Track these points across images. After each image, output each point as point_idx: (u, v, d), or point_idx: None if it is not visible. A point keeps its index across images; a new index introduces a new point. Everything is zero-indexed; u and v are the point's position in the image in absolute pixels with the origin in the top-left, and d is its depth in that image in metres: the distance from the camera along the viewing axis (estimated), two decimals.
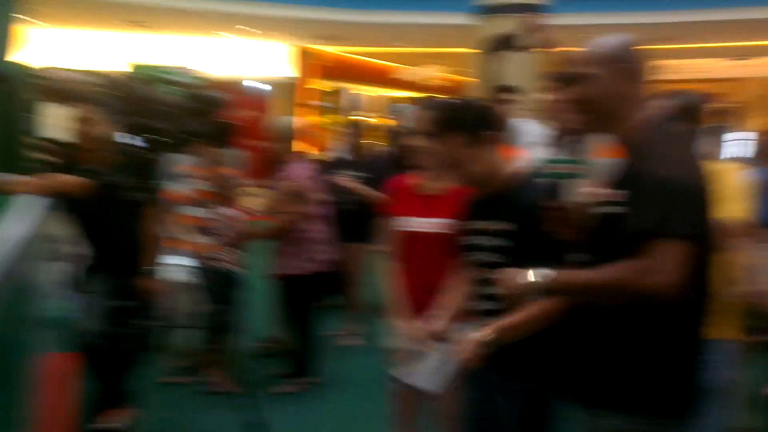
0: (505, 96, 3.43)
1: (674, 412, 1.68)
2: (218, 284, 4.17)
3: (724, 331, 2.48)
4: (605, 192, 1.73)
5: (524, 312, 1.97)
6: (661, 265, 1.55)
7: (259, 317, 4.62)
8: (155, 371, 4.49)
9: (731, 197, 2.37)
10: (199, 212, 4.30)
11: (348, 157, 5.47)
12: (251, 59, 16.05)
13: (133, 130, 3.51)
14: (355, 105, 20.75)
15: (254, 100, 16.37)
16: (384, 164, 5.19)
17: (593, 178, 3.24)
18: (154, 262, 3.49)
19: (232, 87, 15.16)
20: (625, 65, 1.72)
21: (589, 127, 1.82)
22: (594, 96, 1.74)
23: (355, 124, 5.50)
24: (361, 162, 5.18)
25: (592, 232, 1.79)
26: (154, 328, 4.14)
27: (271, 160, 4.25)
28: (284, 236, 4.19)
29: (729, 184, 2.39)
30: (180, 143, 3.72)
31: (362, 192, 4.97)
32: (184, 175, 4.35)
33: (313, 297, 4.38)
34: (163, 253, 3.71)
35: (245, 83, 16.23)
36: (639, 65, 1.74)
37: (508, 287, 1.86)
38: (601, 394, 1.72)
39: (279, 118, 4.32)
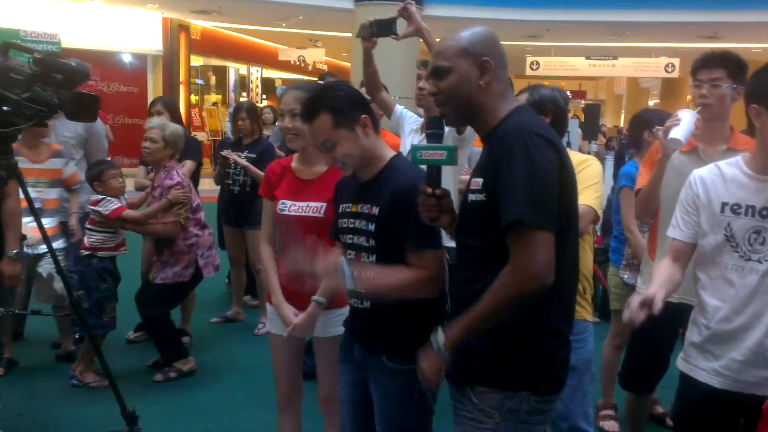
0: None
1: (546, 389, 1.76)
2: (83, 270, 3.95)
3: (579, 312, 2.65)
4: (472, 180, 1.77)
5: (390, 275, 2.02)
6: (533, 257, 1.59)
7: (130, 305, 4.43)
8: (14, 360, 4.24)
9: (588, 187, 2.52)
10: (56, 192, 4.06)
11: (233, 138, 5.33)
12: (123, 30, 15.17)
13: None
14: (241, 85, 20.28)
15: (126, 73, 15.62)
16: (270, 146, 5.13)
17: (466, 166, 3.37)
18: (15, 244, 3.23)
19: (101, 58, 14.37)
20: (484, 58, 1.74)
21: (452, 118, 1.85)
22: (452, 89, 1.76)
23: (243, 105, 5.36)
24: (250, 143, 5.08)
25: (460, 218, 1.84)
26: (12, 316, 3.88)
27: (153, 159, 4.13)
28: (162, 243, 4.08)
29: (586, 174, 2.55)
30: (36, 116, 3.46)
31: (252, 173, 4.89)
32: (62, 156, 4.09)
33: (178, 301, 4.35)
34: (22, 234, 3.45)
35: (117, 56, 15.40)
36: (498, 59, 1.77)
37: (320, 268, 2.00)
38: (474, 372, 1.77)
39: (158, 123, 4.16)
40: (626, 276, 3.65)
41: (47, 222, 3.94)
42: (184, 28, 16.26)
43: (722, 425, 2.12)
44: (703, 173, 2.15)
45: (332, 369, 2.45)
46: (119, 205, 3.98)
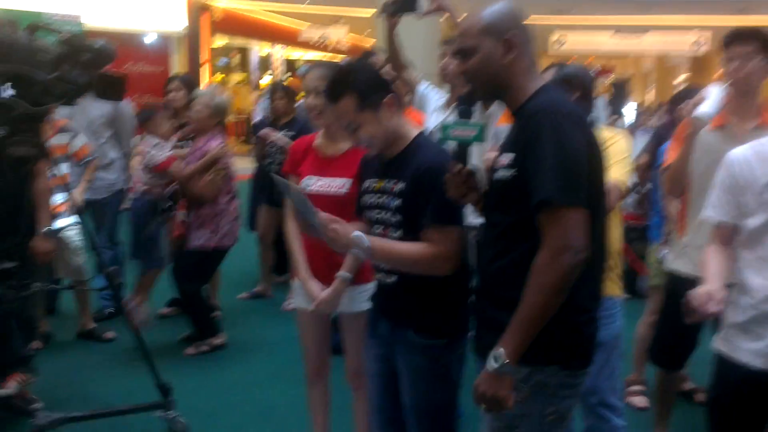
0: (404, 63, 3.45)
1: (575, 363, 1.77)
2: (135, 206, 4.05)
3: (609, 288, 2.65)
4: (499, 157, 1.77)
5: (404, 248, 2.05)
6: (568, 234, 1.59)
7: (162, 281, 4.51)
8: (49, 334, 4.35)
9: (616, 162, 2.51)
10: (64, 168, 4.12)
11: (270, 118, 5.37)
12: (146, 10, 15.24)
13: (12, 80, 3.27)
14: (263, 64, 20.28)
15: (149, 54, 15.71)
16: (307, 124, 5.15)
17: (492, 144, 3.36)
18: (47, 221, 3.30)
19: (125, 39, 14.47)
20: (508, 35, 1.73)
21: (480, 96, 1.85)
22: (478, 68, 1.76)
23: (279, 85, 5.40)
24: (286, 123, 5.10)
25: (488, 196, 1.84)
26: (46, 291, 3.98)
27: (199, 127, 4.19)
28: (199, 204, 4.11)
29: (614, 150, 2.54)
30: (65, 95, 3.51)
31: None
32: (68, 130, 4.15)
33: (211, 271, 4.39)
34: (53, 212, 3.53)
35: (140, 36, 15.49)
36: (522, 35, 1.76)
37: (335, 241, 2.01)
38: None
39: (209, 92, 4.20)
40: (663, 253, 3.63)
41: (57, 199, 4.02)
42: (207, 8, 16.28)
43: (762, 408, 2.09)
44: (742, 152, 2.11)
45: (359, 344, 2.48)
46: (169, 155, 4.06)
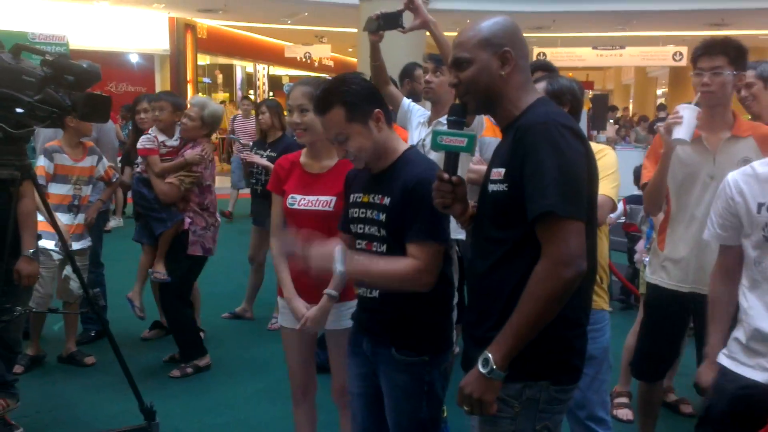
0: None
1: (565, 378, 1.76)
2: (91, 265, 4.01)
3: (597, 301, 2.65)
4: (492, 170, 1.76)
5: (382, 266, 2.04)
6: (568, 246, 1.59)
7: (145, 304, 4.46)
8: (39, 356, 4.30)
9: (606, 176, 2.52)
10: (66, 189, 4.09)
11: (256, 137, 5.34)
12: (130, 30, 15.23)
13: None
14: (246, 82, 20.32)
15: (133, 73, 15.68)
16: (292, 144, 5.14)
17: (481, 155, 3.37)
18: (31, 244, 3.27)
19: (109, 58, 14.44)
20: (505, 49, 1.74)
21: (472, 108, 1.85)
22: (473, 79, 1.76)
23: (266, 101, 5.40)
24: (273, 142, 5.07)
25: (480, 209, 1.84)
26: (30, 314, 3.92)
27: (187, 137, 4.19)
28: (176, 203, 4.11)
29: (604, 164, 2.55)
30: (49, 117, 3.49)
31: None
32: (53, 150, 4.12)
33: (192, 278, 4.32)
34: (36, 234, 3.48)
35: (124, 56, 15.47)
36: (519, 50, 1.77)
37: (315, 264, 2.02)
38: None
39: (201, 102, 4.22)
40: (647, 259, 3.65)
41: (80, 219, 4.11)
42: (191, 27, 16.31)
43: (757, 421, 2.07)
44: (736, 176, 2.13)
45: (346, 361, 2.46)
46: (153, 147, 4.14)
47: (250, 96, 13.69)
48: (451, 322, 2.23)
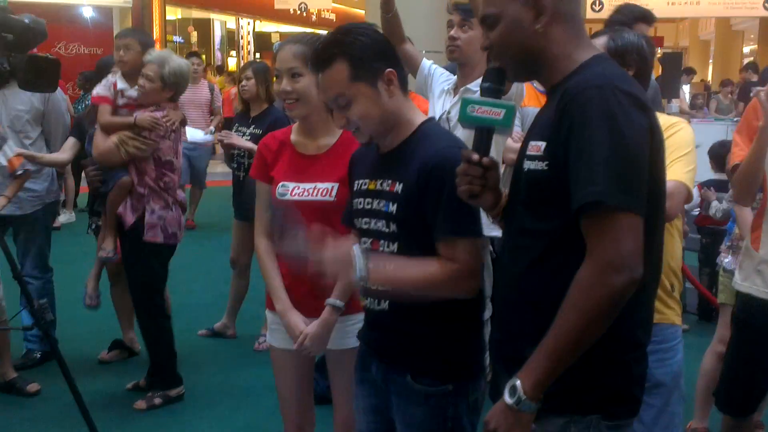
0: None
1: (620, 411, 1.74)
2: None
3: (667, 315, 2.64)
4: (529, 143, 1.74)
5: (412, 268, 2.01)
6: (619, 246, 1.56)
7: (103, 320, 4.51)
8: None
9: (678, 158, 2.50)
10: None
11: (239, 107, 5.33)
12: None
13: None
14: (226, 41, 20.36)
15: (87, 31, 15.75)
16: (282, 118, 5.14)
17: (522, 130, 3.35)
18: None
19: (56, 14, 14.51)
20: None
21: (512, 73, 1.83)
22: (504, 39, 1.75)
23: (252, 63, 5.40)
24: (257, 116, 5.08)
25: (512, 194, 1.83)
26: None
27: (147, 102, 4.16)
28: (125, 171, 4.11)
29: (675, 142, 2.53)
30: None
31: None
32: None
33: (153, 278, 4.29)
34: None
35: (76, 10, 15.54)
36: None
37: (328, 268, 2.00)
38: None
39: (160, 57, 4.17)
40: (727, 260, 3.62)
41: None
42: None
43: None
44: None
45: (351, 390, 2.46)
46: (105, 95, 4.21)
47: (199, 53, 13.40)
48: (483, 342, 2.21)
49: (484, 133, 1.81)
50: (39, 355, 4.71)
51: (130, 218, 4.07)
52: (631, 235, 1.58)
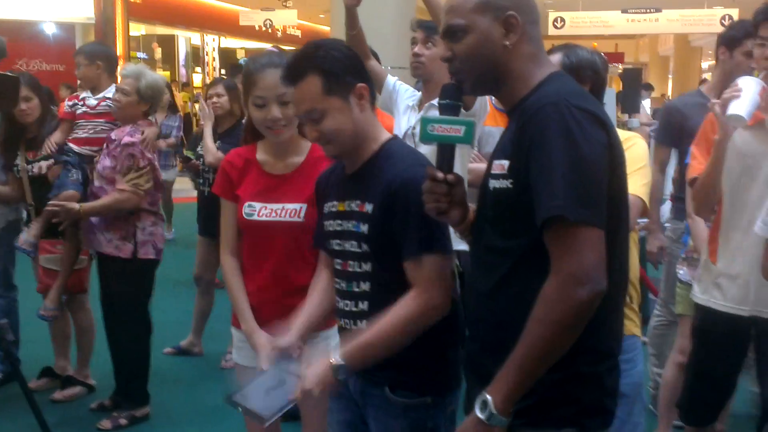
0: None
1: (593, 423, 1.75)
2: None
3: (626, 325, 2.66)
4: (494, 162, 1.76)
5: (385, 323, 2.02)
6: (582, 259, 1.58)
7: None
8: None
9: (634, 171, 2.54)
10: None
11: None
12: None
13: None
14: (191, 57, 20.27)
15: (49, 47, 15.58)
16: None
17: (480, 150, 3.38)
18: None
19: (17, 30, 14.34)
20: (506, 12, 1.74)
21: (471, 87, 1.85)
22: (470, 51, 1.77)
23: (222, 80, 5.39)
24: (225, 131, 5.09)
25: (479, 212, 1.84)
26: None
27: (122, 116, 4.11)
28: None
29: (631, 156, 2.56)
30: None
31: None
32: None
33: (145, 292, 4.25)
34: None
35: (37, 26, 15.37)
36: (527, 14, 1.77)
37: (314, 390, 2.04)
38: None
39: (134, 72, 4.13)
40: (682, 272, 3.66)
41: None
42: None
43: None
44: None
45: (321, 407, 2.45)
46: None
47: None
48: (459, 355, 2.22)
49: (447, 150, 1.82)
50: (0, 376, 4.64)
51: (127, 249, 4.04)
52: (592, 248, 1.60)
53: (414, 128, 3.39)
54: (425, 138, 1.81)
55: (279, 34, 19.25)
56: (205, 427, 4.24)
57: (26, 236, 4.13)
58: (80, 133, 4.82)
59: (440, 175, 1.81)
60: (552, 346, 1.62)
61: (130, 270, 4.08)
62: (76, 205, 3.96)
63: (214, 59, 21.27)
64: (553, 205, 1.59)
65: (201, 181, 5.07)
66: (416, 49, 3.40)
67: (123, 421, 4.17)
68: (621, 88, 13.21)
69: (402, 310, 2.02)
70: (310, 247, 2.34)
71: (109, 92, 4.18)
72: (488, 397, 1.65)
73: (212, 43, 21.19)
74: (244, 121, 5.00)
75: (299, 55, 2.11)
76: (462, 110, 3.02)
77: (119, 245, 4.03)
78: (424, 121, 1.81)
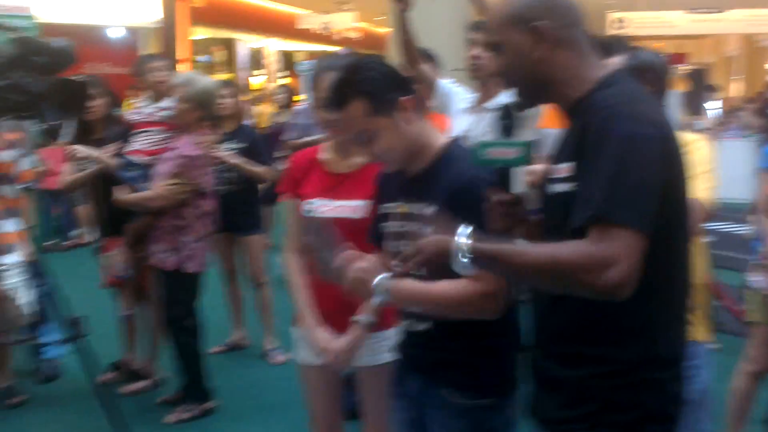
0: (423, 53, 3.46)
1: (657, 431, 1.74)
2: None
3: (692, 331, 2.63)
4: (553, 168, 1.77)
5: (437, 286, 2.02)
6: (614, 258, 1.54)
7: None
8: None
9: (698, 175, 2.51)
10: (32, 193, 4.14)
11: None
12: (110, 1, 15.48)
13: None
14: (249, 61, 20.48)
15: (116, 52, 15.93)
16: (262, 135, 5.22)
17: (540, 154, 3.35)
18: None
19: (86, 35, 14.70)
20: (536, 23, 1.73)
21: (524, 99, 1.86)
22: (509, 66, 1.78)
23: (225, 81, 5.51)
24: (232, 132, 5.18)
25: (545, 216, 1.84)
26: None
27: (179, 124, 4.20)
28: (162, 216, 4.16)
29: (695, 159, 2.54)
30: (18, 106, 3.58)
31: (245, 168, 5.03)
32: (17, 146, 4.23)
33: (192, 300, 4.36)
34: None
35: (103, 31, 15.74)
36: (556, 17, 1.75)
37: (424, 251, 1.89)
38: (569, 414, 1.75)
39: (188, 79, 4.24)
40: (754, 280, 3.58)
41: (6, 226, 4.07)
42: None
43: None
44: None
45: (382, 405, 2.49)
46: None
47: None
48: (516, 358, 2.22)
49: (504, 171, 1.86)
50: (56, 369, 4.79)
51: (172, 261, 4.15)
52: (627, 251, 1.55)
53: (473, 131, 3.39)
54: (480, 162, 1.85)
55: (338, 37, 19.33)
56: (267, 422, 4.32)
57: (117, 263, 4.28)
58: (140, 143, 4.92)
59: (500, 196, 1.84)
60: (544, 274, 1.62)
61: (173, 281, 4.20)
62: (122, 195, 4.12)
63: (274, 62, 21.48)
64: (593, 203, 1.57)
65: (220, 180, 4.98)
66: (474, 52, 3.39)
67: (187, 415, 4.27)
68: (684, 90, 12.98)
69: (459, 286, 1.99)
70: (369, 244, 2.36)
71: (169, 101, 4.27)
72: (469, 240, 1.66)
73: (272, 47, 21.40)
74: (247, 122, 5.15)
75: (340, 80, 2.13)
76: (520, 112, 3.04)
77: (164, 257, 4.15)
78: (481, 146, 1.84)
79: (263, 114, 12.28)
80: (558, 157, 1.79)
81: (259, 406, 4.54)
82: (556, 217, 1.75)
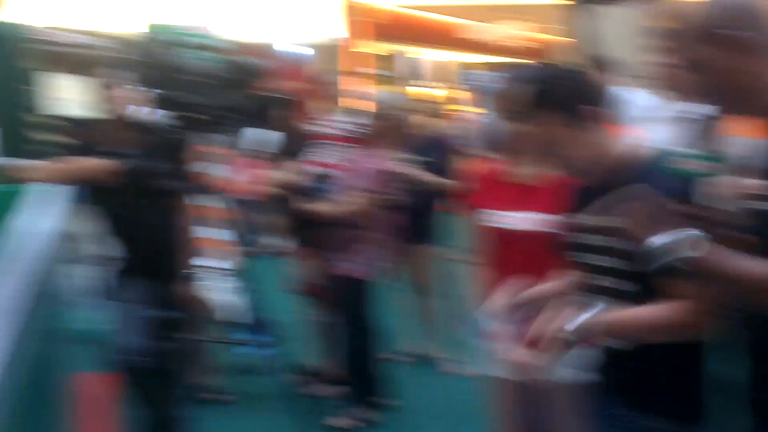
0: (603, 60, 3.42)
1: None
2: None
3: None
4: (754, 183, 1.70)
5: (647, 309, 1.95)
6: None
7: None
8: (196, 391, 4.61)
9: None
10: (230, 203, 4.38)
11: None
12: (287, 19, 16.09)
13: (162, 104, 3.56)
14: (416, 72, 20.72)
15: (295, 68, 16.54)
16: (439, 146, 5.28)
17: (735, 169, 3.22)
18: (191, 265, 3.58)
19: (269, 52, 15.35)
20: (735, 35, 1.67)
21: (722, 112, 1.84)
22: (705, 83, 1.73)
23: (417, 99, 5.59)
24: (423, 145, 5.19)
25: (743, 235, 1.75)
26: (198, 343, 4.29)
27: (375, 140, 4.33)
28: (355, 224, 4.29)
29: None
30: (215, 121, 3.80)
31: (424, 180, 5.04)
32: (218, 158, 4.51)
33: (356, 307, 4.46)
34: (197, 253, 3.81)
35: (282, 48, 16.39)
36: (758, 26, 1.69)
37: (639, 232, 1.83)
38: None
39: (387, 98, 4.37)
40: None
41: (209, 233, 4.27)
42: (368, 11, 16.93)
43: None
44: None
45: (572, 424, 2.47)
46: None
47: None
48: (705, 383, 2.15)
49: (691, 185, 1.84)
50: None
51: (357, 270, 4.31)
52: None
53: (657, 140, 3.31)
54: (668, 172, 1.85)
55: (512, 46, 19.19)
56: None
57: (313, 272, 4.49)
58: (325, 155, 5.09)
59: (688, 208, 1.80)
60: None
61: (346, 286, 4.33)
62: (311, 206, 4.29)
63: (452, 74, 21.60)
64: None
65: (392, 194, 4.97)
66: (661, 59, 3.32)
67: (361, 421, 4.38)
68: None
69: (664, 311, 1.94)
70: (552, 256, 2.34)
71: (362, 116, 4.46)
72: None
73: (452, 60, 21.54)
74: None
75: (527, 93, 2.12)
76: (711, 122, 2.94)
77: (351, 267, 4.28)
78: (666, 156, 1.84)
79: (431, 124, 12.41)
80: (759, 172, 1.73)
81: (434, 416, 4.55)
82: (756, 236, 1.69)
